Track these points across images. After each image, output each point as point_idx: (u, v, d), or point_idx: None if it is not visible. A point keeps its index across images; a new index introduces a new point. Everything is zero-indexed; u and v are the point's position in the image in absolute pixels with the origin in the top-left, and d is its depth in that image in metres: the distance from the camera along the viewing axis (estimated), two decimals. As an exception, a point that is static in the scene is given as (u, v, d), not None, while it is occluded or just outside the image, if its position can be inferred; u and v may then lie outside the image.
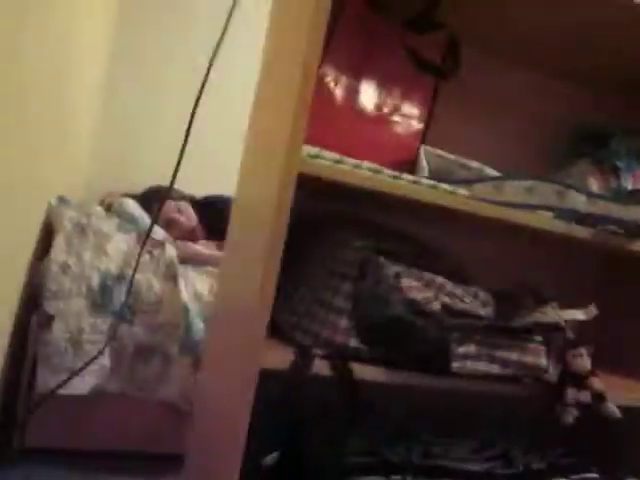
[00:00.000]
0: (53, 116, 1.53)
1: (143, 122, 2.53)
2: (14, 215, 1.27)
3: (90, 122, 2.32)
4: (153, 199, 2.02)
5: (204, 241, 2.03)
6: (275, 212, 0.70)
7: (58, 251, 1.53)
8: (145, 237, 1.34)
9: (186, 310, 1.59)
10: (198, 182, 2.23)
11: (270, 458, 0.91)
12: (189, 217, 2.07)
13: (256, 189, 0.87)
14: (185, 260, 1.74)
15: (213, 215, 2.08)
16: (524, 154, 1.20)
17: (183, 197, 2.15)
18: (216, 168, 2.29)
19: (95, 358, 1.46)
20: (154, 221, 1.31)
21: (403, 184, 0.79)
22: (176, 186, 2.21)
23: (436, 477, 0.93)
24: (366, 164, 0.78)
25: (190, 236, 2.00)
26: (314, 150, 0.75)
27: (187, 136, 0.95)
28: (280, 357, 0.73)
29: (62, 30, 1.43)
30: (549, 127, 1.20)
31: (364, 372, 0.74)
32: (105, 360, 1.53)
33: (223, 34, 1.01)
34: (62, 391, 1.48)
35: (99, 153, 2.44)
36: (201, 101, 1.08)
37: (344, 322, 0.76)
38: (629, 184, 1.17)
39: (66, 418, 1.56)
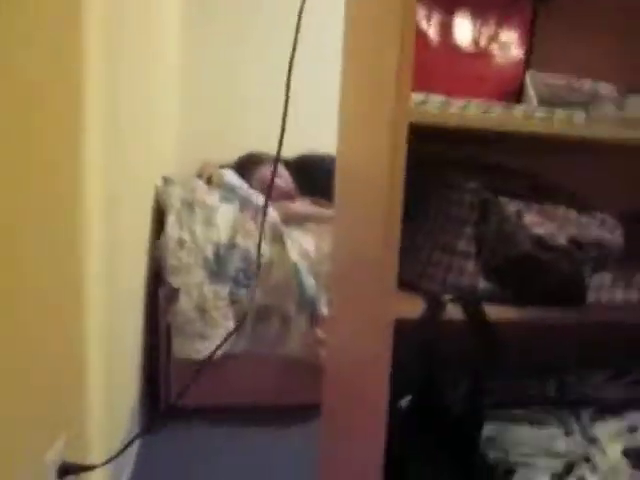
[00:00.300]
0: (144, 101, 1.60)
1: (227, 90, 2.57)
2: (130, 199, 1.35)
3: (176, 97, 2.40)
4: (248, 166, 2.08)
5: (300, 200, 2.07)
6: (389, 165, 0.71)
7: (172, 228, 1.63)
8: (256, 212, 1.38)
9: (296, 269, 1.65)
10: (289, 143, 2.26)
11: (405, 401, 0.94)
12: (285, 180, 2.11)
13: (363, 143, 0.87)
14: (287, 220, 1.79)
15: (308, 174, 2.11)
16: (630, 56, 1.10)
17: (276, 160, 2.19)
18: (306, 127, 2.30)
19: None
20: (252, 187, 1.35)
21: (514, 120, 0.76)
22: (267, 149, 2.27)
23: (573, 407, 0.93)
24: (473, 103, 0.76)
25: (288, 197, 2.05)
26: (420, 97, 0.74)
27: (287, 100, 0.96)
28: (411, 306, 0.74)
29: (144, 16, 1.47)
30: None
31: (497, 312, 0.74)
32: (230, 323, 1.63)
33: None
34: (195, 355, 1.60)
35: (189, 125, 2.52)
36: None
37: (471, 265, 0.76)
38: None
39: (202, 379, 1.69)
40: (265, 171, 2.10)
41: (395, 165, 0.70)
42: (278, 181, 2.08)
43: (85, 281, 0.88)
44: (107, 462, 0.87)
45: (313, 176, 2.13)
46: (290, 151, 2.34)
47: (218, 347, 1.10)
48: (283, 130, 0.97)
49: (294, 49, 1.06)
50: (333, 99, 1.18)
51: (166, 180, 1.79)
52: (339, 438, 1.03)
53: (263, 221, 0.93)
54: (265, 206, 0.96)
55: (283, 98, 0.98)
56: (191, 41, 2.48)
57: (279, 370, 1.75)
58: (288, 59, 0.97)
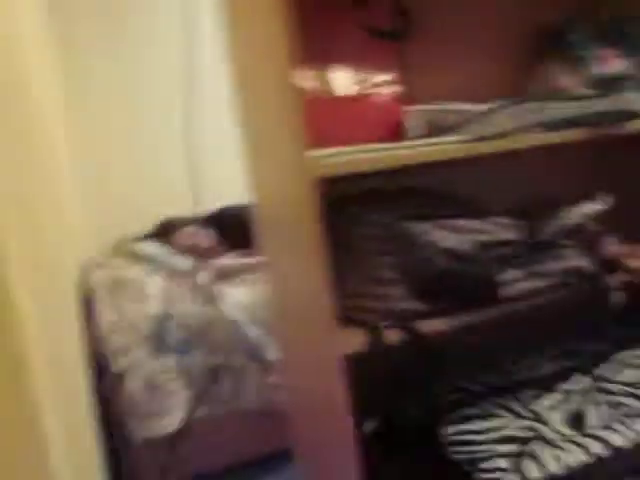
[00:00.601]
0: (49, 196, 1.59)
1: (124, 162, 2.57)
2: (52, 287, 1.34)
3: (76, 184, 2.37)
4: (167, 232, 2.10)
5: (226, 254, 2.09)
6: (308, 218, 0.77)
7: (102, 313, 1.61)
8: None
9: (236, 324, 1.68)
10: (201, 201, 2.31)
11: (367, 425, 1.00)
12: (207, 237, 2.13)
13: (277, 195, 0.93)
14: (219, 277, 1.82)
15: (229, 226, 2.15)
16: (497, 70, 1.23)
17: (192, 221, 2.22)
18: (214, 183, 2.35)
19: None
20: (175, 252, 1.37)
21: (402, 153, 0.85)
22: (179, 211, 2.29)
23: (515, 392, 1.02)
24: (361, 147, 0.84)
25: (213, 253, 2.06)
26: (315, 153, 0.81)
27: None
28: (354, 337, 0.81)
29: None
30: (511, 36, 1.23)
31: (429, 326, 0.82)
32: (183, 393, 1.63)
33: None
34: (154, 434, 1.58)
35: (95, 207, 2.49)
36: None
37: (397, 290, 0.83)
38: (598, 69, 1.22)
39: (162, 455, 1.67)
40: (183, 233, 2.12)
41: (311, 216, 0.76)
42: (200, 240, 2.11)
43: (29, 386, 0.88)
44: None
45: (234, 228, 2.18)
46: (205, 208, 2.38)
47: (186, 421, 1.11)
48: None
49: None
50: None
51: (88, 264, 1.77)
52: (316, 477, 1.07)
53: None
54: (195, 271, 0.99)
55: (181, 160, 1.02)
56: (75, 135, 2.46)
57: (241, 425, 1.75)
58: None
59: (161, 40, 2.56)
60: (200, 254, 2.01)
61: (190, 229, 2.15)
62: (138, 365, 1.58)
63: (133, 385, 1.56)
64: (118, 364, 1.57)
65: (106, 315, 1.61)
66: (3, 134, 1.05)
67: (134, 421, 1.57)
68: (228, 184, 2.15)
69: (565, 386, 1.00)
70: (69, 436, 1.06)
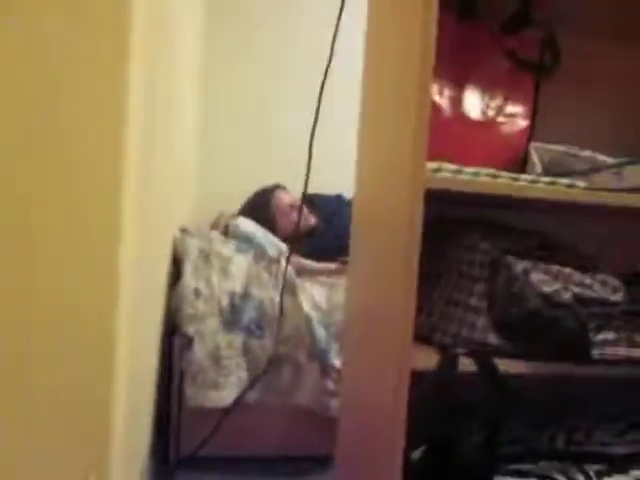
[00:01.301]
0: (168, 150, 1.69)
1: (243, 140, 2.68)
2: (153, 250, 1.42)
3: (194, 145, 2.51)
4: (263, 197, 2.17)
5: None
6: (407, 226, 0.77)
7: (189, 278, 1.69)
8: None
9: (308, 320, 1.70)
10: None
11: (417, 452, 0.97)
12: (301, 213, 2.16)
13: (381, 202, 0.94)
14: (299, 273, 1.85)
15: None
16: (630, 124, 1.18)
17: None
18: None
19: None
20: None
21: (522, 185, 0.83)
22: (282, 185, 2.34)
23: (580, 462, 0.95)
24: (484, 170, 0.83)
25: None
26: (434, 165, 0.81)
27: (312, 140, 1.05)
28: (425, 358, 0.79)
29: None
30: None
31: (507, 366, 0.79)
32: (242, 372, 1.66)
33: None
34: (207, 404, 1.63)
35: (205, 176, 2.62)
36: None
37: (482, 320, 0.81)
38: None
39: (213, 428, 1.71)
40: (282, 194, 2.18)
41: (412, 227, 0.76)
42: (295, 216, 2.13)
43: (116, 329, 0.93)
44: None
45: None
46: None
47: (239, 397, 1.13)
48: (309, 168, 1.05)
49: (319, 102, 1.15)
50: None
51: (183, 231, 1.86)
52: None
53: (287, 264, 0.98)
54: (287, 261, 1.01)
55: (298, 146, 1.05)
56: (207, 91, 2.60)
57: (289, 420, 1.76)
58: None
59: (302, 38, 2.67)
60: (289, 224, 2.04)
61: (294, 198, 2.19)
62: (209, 334, 1.64)
63: (198, 353, 1.62)
64: (190, 329, 1.64)
65: (191, 282, 1.68)
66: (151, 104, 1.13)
67: (190, 388, 1.63)
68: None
69: (636, 472, 0.92)
70: (131, 388, 1.11)
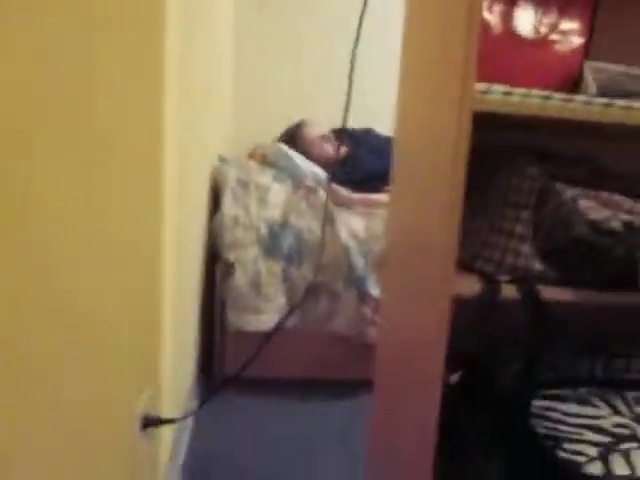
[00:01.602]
0: (207, 81, 1.67)
1: (279, 70, 2.62)
2: (194, 178, 1.43)
3: (230, 77, 2.47)
4: (299, 129, 2.14)
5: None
6: (453, 151, 0.75)
7: (228, 206, 1.71)
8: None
9: (346, 249, 1.71)
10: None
11: (454, 376, 0.99)
12: (331, 145, 2.13)
13: (425, 128, 0.91)
14: (337, 203, 1.84)
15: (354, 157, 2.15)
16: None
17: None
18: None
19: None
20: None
21: (575, 107, 0.79)
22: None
23: (619, 389, 0.96)
24: (535, 92, 0.79)
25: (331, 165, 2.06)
26: (483, 86, 0.77)
27: (351, 77, 1.02)
28: (468, 285, 0.79)
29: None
30: None
31: (551, 293, 0.78)
32: (281, 299, 1.71)
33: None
34: (248, 328, 1.68)
35: (241, 106, 2.59)
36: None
37: (526, 248, 0.79)
38: None
39: (253, 352, 1.78)
40: (313, 131, 2.15)
41: (458, 151, 0.74)
42: (327, 147, 2.11)
43: (161, 253, 0.96)
44: (184, 418, 0.96)
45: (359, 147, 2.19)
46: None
47: (281, 322, 1.17)
48: (349, 101, 1.03)
49: (359, 32, 1.11)
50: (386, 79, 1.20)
51: (222, 160, 1.87)
52: (392, 413, 1.09)
53: (328, 194, 0.98)
54: (327, 190, 1.00)
55: (335, 76, 1.02)
56: (244, 23, 2.53)
57: (327, 345, 1.82)
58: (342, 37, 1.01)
59: None
60: (323, 155, 2.03)
61: (322, 131, 2.16)
62: (249, 261, 1.67)
63: (239, 279, 1.66)
64: (230, 256, 1.67)
65: (230, 210, 1.70)
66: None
67: (232, 312, 1.69)
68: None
69: (679, 399, 0.92)
70: (176, 313, 1.15)
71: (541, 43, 0.94)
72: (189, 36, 1.20)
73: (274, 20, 2.59)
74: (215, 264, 1.72)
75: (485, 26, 0.91)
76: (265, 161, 1.93)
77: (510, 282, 0.78)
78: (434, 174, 0.83)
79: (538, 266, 0.79)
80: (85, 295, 0.59)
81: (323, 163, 2.00)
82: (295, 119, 2.36)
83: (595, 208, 0.81)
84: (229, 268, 1.67)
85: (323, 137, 2.15)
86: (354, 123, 2.26)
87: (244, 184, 1.77)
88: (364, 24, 1.13)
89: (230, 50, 2.46)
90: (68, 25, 0.52)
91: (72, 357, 0.57)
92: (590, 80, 0.92)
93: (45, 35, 0.47)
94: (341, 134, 2.16)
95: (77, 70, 0.55)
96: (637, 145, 1.05)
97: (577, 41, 0.96)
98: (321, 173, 1.86)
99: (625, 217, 0.81)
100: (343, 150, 2.12)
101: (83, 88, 0.56)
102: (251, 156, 2.21)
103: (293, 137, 2.14)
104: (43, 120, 0.48)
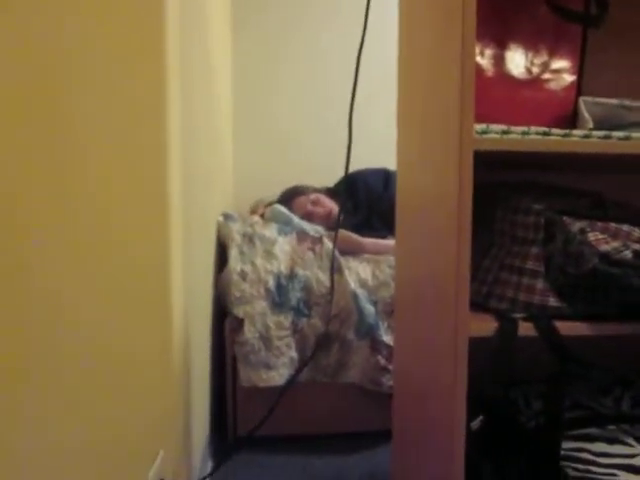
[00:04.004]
0: (210, 141, 1.70)
1: (276, 128, 2.68)
2: (199, 235, 1.44)
3: (230, 136, 2.53)
4: (291, 197, 2.16)
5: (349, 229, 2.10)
6: (457, 191, 0.75)
7: (234, 261, 1.70)
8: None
9: (355, 297, 1.69)
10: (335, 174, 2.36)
11: (476, 422, 0.96)
12: (324, 205, 2.16)
13: (427, 171, 0.92)
14: (344, 250, 1.84)
15: (351, 190, 2.16)
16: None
17: (316, 190, 2.25)
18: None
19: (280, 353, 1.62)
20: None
21: (575, 140, 0.80)
22: (317, 183, 2.35)
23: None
24: (533, 128, 0.80)
25: (330, 223, 2.08)
26: (481, 126, 0.78)
27: (350, 133, 1.03)
28: (483, 324, 0.77)
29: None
30: None
31: (568, 328, 0.76)
32: (292, 352, 1.68)
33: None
34: (261, 384, 1.65)
35: (242, 165, 2.64)
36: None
37: (540, 283, 0.79)
38: None
39: (266, 408, 1.74)
40: (303, 199, 2.16)
41: (463, 192, 0.74)
42: (316, 209, 2.13)
43: (171, 315, 0.95)
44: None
45: (356, 192, 2.20)
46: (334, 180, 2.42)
47: (293, 377, 1.14)
48: (349, 149, 1.04)
49: (355, 85, 1.13)
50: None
51: (226, 216, 1.88)
52: (414, 462, 1.05)
53: (334, 251, 0.97)
54: (335, 240, 1.00)
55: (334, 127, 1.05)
56: (242, 83, 2.61)
57: (341, 397, 1.77)
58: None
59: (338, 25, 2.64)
60: (317, 222, 2.04)
61: (312, 196, 2.18)
62: (257, 315, 1.66)
63: (249, 333, 1.64)
64: (239, 311, 1.66)
65: (237, 265, 1.70)
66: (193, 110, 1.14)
67: (243, 369, 1.65)
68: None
69: None
70: (188, 373, 1.13)
71: (534, 83, 0.97)
72: (190, 96, 1.23)
73: (272, 73, 2.67)
74: (224, 320, 1.70)
75: (478, 70, 0.94)
76: (265, 217, 1.94)
77: (526, 319, 0.76)
78: (440, 215, 0.83)
79: (553, 301, 0.78)
80: (97, 363, 0.58)
81: (322, 223, 2.02)
82: (294, 170, 2.40)
83: (604, 239, 0.80)
84: (238, 324, 1.65)
85: (315, 201, 2.17)
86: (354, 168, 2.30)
87: (249, 238, 1.77)
88: (363, 71, 1.17)
89: (230, 108, 2.52)
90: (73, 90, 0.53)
91: (84, 425, 0.55)
92: (586, 115, 0.94)
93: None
94: (335, 193, 2.19)
95: (78, 141, 0.56)
96: (637, 175, 1.06)
97: (569, 78, 0.98)
98: (321, 229, 1.87)
99: (636, 246, 0.81)
100: (335, 209, 2.12)
101: (79, 156, 0.57)
102: (253, 211, 2.23)
103: (288, 202, 2.16)
104: (30, 183, 0.48)
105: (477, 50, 0.94)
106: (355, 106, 1.23)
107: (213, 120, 1.78)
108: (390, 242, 1.90)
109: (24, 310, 0.43)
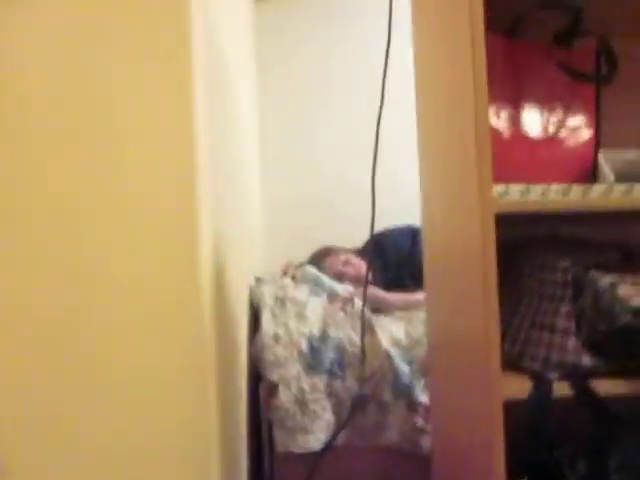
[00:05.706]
0: (240, 204, 1.76)
1: (303, 189, 2.74)
2: (232, 300, 1.46)
3: (259, 200, 2.59)
4: (320, 258, 2.19)
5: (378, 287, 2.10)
6: (481, 254, 0.76)
7: (267, 325, 1.72)
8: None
9: (389, 357, 1.68)
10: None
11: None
12: (354, 265, 2.17)
13: (450, 232, 0.93)
14: (375, 308, 1.84)
15: (379, 250, 2.17)
16: None
17: (346, 250, 2.28)
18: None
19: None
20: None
21: (595, 196, 0.80)
22: (347, 243, 2.37)
23: None
24: (553, 187, 0.81)
25: (361, 283, 2.08)
26: (501, 187, 0.80)
27: (373, 191, 1.06)
28: (517, 386, 0.76)
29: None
30: None
31: (604, 386, 0.75)
32: (328, 415, 1.66)
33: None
34: (297, 449, 1.63)
35: (271, 227, 2.70)
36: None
37: (572, 341, 0.78)
38: None
39: (303, 473, 1.70)
40: (334, 260, 2.18)
41: (487, 253, 0.75)
42: (347, 269, 2.14)
43: (207, 383, 0.96)
44: None
45: (384, 252, 2.21)
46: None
47: (330, 441, 1.13)
48: (374, 209, 1.07)
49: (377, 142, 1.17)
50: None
51: (258, 280, 1.91)
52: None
53: (363, 310, 0.98)
54: (364, 300, 1.02)
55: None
56: (268, 143, 2.71)
57: (379, 460, 1.73)
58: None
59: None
60: (349, 281, 2.05)
61: (342, 256, 2.20)
62: (292, 379, 1.65)
63: (284, 397, 1.63)
64: (273, 375, 1.66)
65: (269, 328, 1.71)
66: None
67: (279, 433, 1.64)
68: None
69: None
70: (226, 441, 1.13)
71: (552, 141, 0.98)
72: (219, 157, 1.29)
73: (299, 135, 2.76)
74: (258, 384, 1.70)
75: (495, 132, 0.96)
76: (296, 279, 1.97)
77: (561, 379, 0.75)
78: (466, 277, 0.84)
79: (586, 360, 0.76)
80: (134, 435, 0.60)
81: (353, 283, 2.02)
82: (323, 234, 2.43)
83: (636, 294, 0.79)
84: (272, 388, 1.65)
85: (346, 262, 2.19)
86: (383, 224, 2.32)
87: (281, 301, 1.79)
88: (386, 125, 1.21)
89: (256, 169, 2.60)
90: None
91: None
92: (606, 169, 0.95)
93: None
94: (365, 254, 2.20)
95: (102, 206, 0.59)
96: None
97: (586, 134, 1.00)
98: (352, 289, 1.88)
99: (668, 299, 0.79)
100: (369, 264, 2.13)
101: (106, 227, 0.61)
102: (284, 272, 2.26)
103: (318, 263, 2.19)
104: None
105: (493, 112, 0.97)
106: (380, 162, 1.26)
107: (241, 183, 1.84)
108: (418, 296, 1.89)
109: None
